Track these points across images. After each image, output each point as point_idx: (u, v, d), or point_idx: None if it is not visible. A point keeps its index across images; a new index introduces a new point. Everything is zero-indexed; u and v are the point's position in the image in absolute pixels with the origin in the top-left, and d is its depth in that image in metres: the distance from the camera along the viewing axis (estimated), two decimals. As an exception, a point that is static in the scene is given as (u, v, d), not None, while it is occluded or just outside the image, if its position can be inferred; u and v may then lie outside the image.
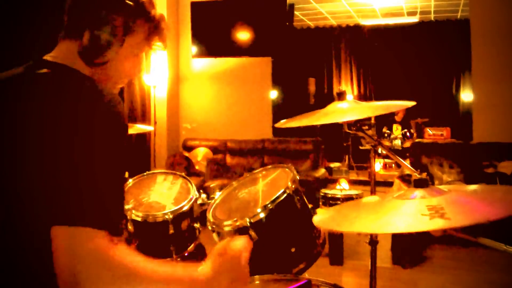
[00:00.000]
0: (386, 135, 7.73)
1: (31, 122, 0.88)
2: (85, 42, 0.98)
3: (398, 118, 8.03)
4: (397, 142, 7.44)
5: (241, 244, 1.00)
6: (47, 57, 1.01)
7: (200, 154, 6.06)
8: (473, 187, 1.13)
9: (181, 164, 5.79)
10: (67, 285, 0.78)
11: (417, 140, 6.87)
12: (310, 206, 1.54)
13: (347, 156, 7.95)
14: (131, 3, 1.02)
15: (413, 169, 1.36)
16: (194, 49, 6.16)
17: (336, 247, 3.78)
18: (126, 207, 1.87)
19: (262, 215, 1.39)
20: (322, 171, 5.72)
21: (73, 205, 0.81)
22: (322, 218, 1.14)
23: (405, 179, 4.07)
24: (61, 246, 0.79)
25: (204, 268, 0.93)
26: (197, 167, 5.88)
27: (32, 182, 0.85)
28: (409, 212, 0.95)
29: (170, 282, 0.86)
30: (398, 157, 1.64)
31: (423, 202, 0.96)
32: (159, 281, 0.84)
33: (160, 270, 0.85)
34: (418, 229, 0.86)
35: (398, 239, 3.69)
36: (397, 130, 7.83)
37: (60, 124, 0.85)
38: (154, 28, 1.08)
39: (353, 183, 6.15)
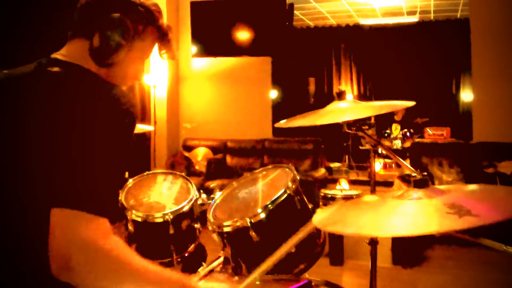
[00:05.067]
0: (386, 135, 7.73)
1: (40, 118, 0.89)
2: (95, 42, 1.00)
3: (397, 117, 8.03)
4: (397, 142, 7.44)
5: None
6: (57, 55, 1.03)
7: (200, 154, 6.06)
8: (471, 187, 1.12)
9: (181, 164, 5.79)
10: (59, 268, 0.80)
11: (417, 140, 6.87)
12: (310, 206, 1.54)
13: (347, 156, 7.95)
14: (142, 9, 1.05)
15: (413, 169, 1.36)
16: (194, 48, 6.16)
17: (336, 247, 3.78)
18: (126, 206, 1.88)
19: (262, 215, 1.39)
20: (322, 171, 5.72)
21: (72, 190, 0.84)
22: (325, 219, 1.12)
23: (405, 179, 4.07)
24: (57, 228, 0.81)
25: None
26: (197, 167, 5.88)
27: (36, 172, 0.88)
28: (430, 211, 0.91)
29: (159, 282, 0.89)
30: (398, 157, 1.64)
31: (439, 201, 0.93)
32: (149, 279, 0.87)
33: (151, 269, 0.88)
34: (453, 228, 0.81)
35: (398, 239, 3.69)
36: (396, 129, 7.83)
37: (67, 120, 0.88)
38: (161, 37, 1.11)
39: (353, 183, 6.15)
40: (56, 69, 0.96)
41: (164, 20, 1.13)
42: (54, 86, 0.93)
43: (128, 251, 0.87)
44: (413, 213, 0.93)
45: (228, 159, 6.10)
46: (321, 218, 1.07)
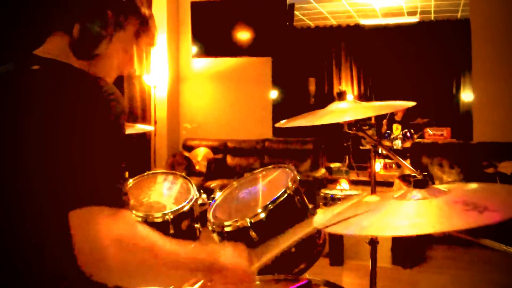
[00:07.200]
0: (386, 135, 7.73)
1: (25, 118, 0.87)
2: (75, 35, 0.97)
3: (397, 117, 8.03)
4: (397, 142, 7.44)
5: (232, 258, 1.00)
6: (37, 52, 1.00)
7: (200, 154, 6.06)
8: (471, 185, 1.11)
9: (181, 164, 5.79)
10: (94, 268, 0.79)
11: (417, 140, 6.87)
12: (310, 206, 1.54)
13: (347, 156, 7.95)
14: None
15: (413, 169, 1.36)
16: (194, 49, 6.16)
17: (336, 247, 3.78)
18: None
19: (262, 215, 1.39)
20: (322, 171, 5.72)
21: (86, 188, 0.83)
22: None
23: (406, 179, 4.07)
24: (81, 228, 0.80)
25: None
26: (197, 167, 5.88)
27: (33, 174, 0.86)
28: (447, 210, 0.89)
29: (190, 265, 0.91)
30: (398, 157, 1.65)
31: (447, 199, 0.93)
32: (181, 264, 0.89)
33: (182, 253, 0.90)
34: (479, 224, 0.79)
35: (398, 239, 3.69)
36: (397, 130, 7.83)
37: (56, 118, 0.86)
38: (142, 25, 1.08)
39: (353, 183, 6.16)
40: (38, 66, 0.94)
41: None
42: (38, 84, 0.91)
43: (157, 238, 0.87)
44: (430, 213, 0.92)
45: (228, 159, 6.10)
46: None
